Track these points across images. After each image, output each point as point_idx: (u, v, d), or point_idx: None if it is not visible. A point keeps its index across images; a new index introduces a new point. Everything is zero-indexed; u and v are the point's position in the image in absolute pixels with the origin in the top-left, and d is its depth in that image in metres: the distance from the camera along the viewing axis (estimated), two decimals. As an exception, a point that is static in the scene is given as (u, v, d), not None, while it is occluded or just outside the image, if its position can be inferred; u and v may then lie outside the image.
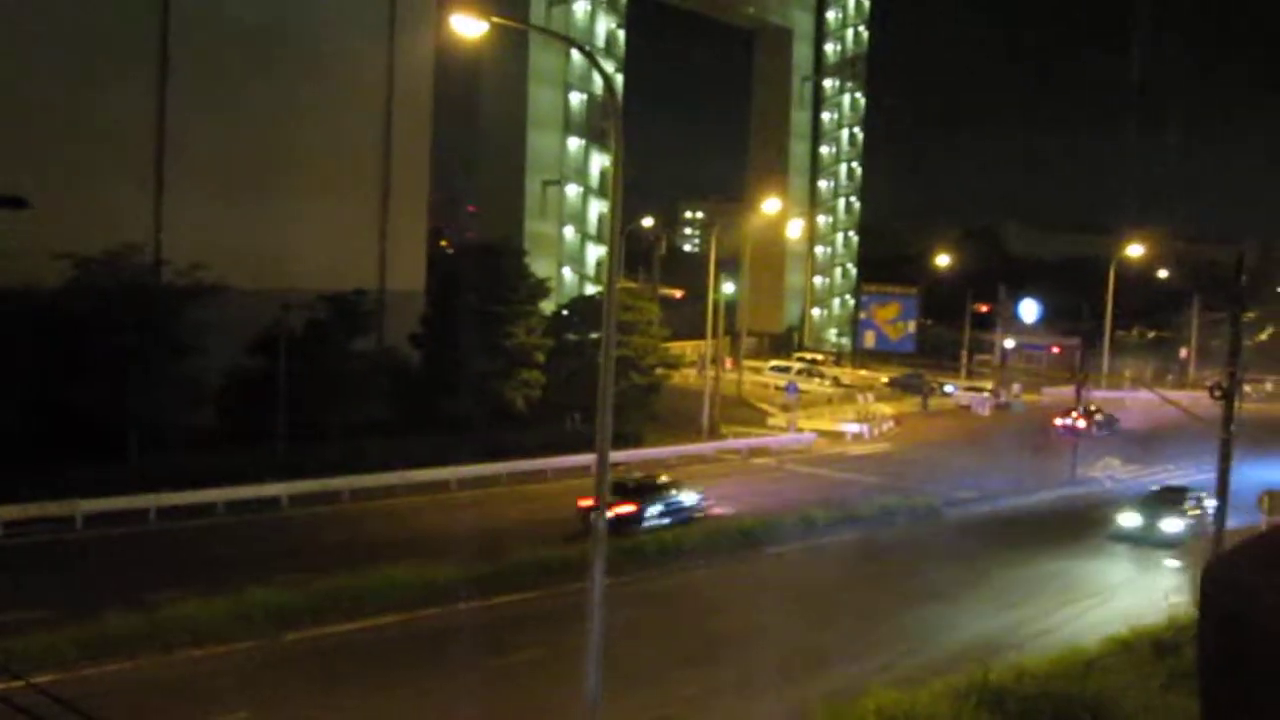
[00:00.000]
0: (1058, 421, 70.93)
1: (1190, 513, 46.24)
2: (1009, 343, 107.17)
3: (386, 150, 61.38)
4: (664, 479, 45.53)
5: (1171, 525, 45.49)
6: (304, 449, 46.75)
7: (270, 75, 55.33)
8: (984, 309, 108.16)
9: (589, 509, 44.07)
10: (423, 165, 64.18)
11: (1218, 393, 33.49)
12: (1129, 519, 46.07)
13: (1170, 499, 47.51)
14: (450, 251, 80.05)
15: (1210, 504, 41.72)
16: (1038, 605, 35.71)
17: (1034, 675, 24.34)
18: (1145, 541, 44.60)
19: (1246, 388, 47.14)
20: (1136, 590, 38.13)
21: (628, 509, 40.54)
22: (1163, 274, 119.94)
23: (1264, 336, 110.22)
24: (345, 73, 58.91)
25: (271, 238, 54.11)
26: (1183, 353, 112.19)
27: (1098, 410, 75.85)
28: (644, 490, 42.80)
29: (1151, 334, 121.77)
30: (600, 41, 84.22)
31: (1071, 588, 38.34)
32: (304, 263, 54.09)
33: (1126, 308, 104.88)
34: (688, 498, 43.90)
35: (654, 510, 41.87)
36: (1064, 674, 24.83)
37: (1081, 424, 64.97)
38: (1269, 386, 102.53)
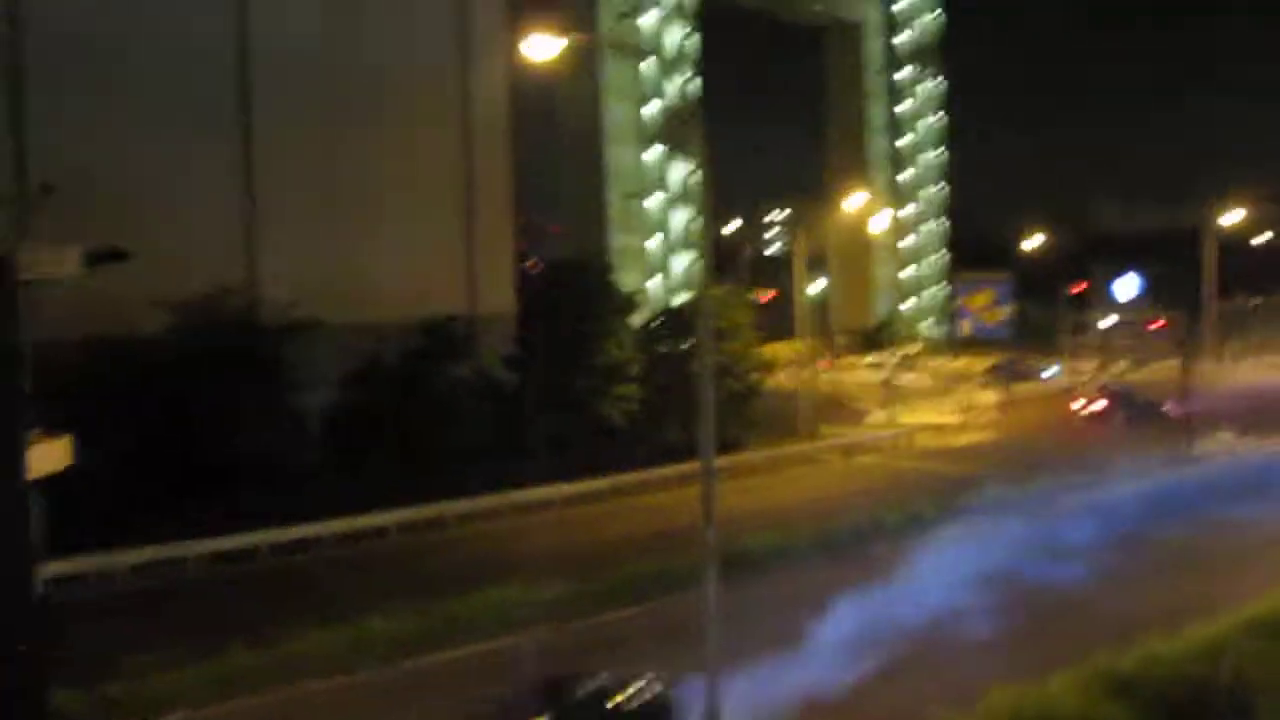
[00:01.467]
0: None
1: None
2: (1107, 321, 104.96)
3: (470, 174, 61.62)
4: None
5: None
6: (406, 478, 47.00)
7: (349, 108, 55.71)
8: (1079, 288, 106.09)
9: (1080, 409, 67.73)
10: (506, 186, 64.34)
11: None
12: None
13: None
14: (537, 271, 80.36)
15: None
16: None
17: (1164, 661, 23.70)
18: None
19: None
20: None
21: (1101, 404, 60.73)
22: (1262, 239, 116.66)
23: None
24: (423, 99, 59.14)
25: (360, 270, 54.63)
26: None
27: None
28: None
29: (1257, 300, 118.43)
30: (671, 50, 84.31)
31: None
32: (394, 292, 54.54)
33: (1227, 275, 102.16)
34: None
35: None
36: (1195, 657, 24.12)
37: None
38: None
